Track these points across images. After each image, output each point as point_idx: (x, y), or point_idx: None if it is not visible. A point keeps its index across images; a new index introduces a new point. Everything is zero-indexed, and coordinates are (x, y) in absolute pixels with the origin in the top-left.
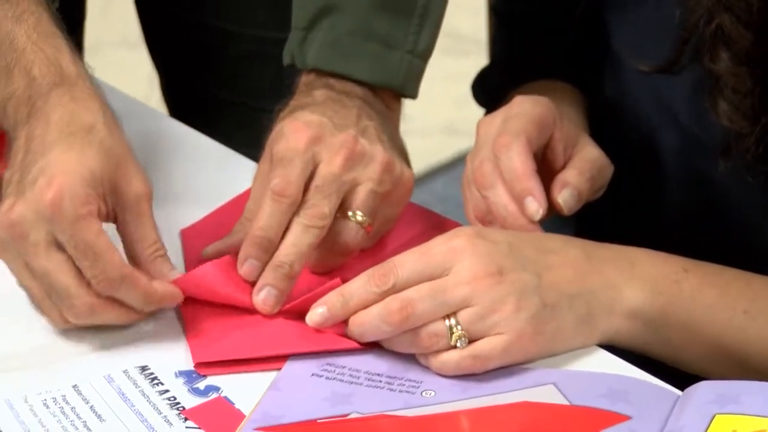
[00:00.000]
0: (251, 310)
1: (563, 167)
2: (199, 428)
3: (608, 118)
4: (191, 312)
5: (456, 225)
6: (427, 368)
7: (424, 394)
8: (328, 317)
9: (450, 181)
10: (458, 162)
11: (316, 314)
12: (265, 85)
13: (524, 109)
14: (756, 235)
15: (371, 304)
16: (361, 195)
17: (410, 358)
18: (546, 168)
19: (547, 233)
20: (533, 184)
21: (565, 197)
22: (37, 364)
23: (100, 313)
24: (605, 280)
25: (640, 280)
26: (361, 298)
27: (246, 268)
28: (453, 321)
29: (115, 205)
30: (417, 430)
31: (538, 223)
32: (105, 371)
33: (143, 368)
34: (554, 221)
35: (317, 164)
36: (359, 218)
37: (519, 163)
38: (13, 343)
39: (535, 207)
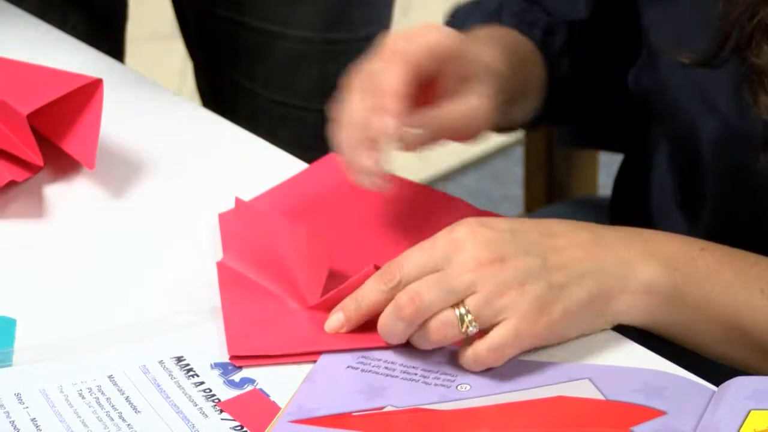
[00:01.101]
0: (286, 291)
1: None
2: (235, 420)
3: (646, 109)
4: (230, 303)
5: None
6: None
7: (459, 387)
8: (344, 322)
9: (481, 176)
10: (489, 157)
11: (333, 320)
12: (309, 85)
13: (423, 33)
14: None
15: (382, 304)
16: None
17: (445, 352)
18: (430, 96)
19: (554, 219)
20: (393, 106)
21: (407, 135)
22: (73, 354)
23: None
24: (617, 258)
25: (654, 257)
26: (371, 299)
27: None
28: (463, 309)
29: None
30: (452, 424)
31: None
32: (140, 362)
33: (179, 359)
34: (587, 209)
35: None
36: None
37: (390, 80)
38: (48, 332)
39: (384, 125)
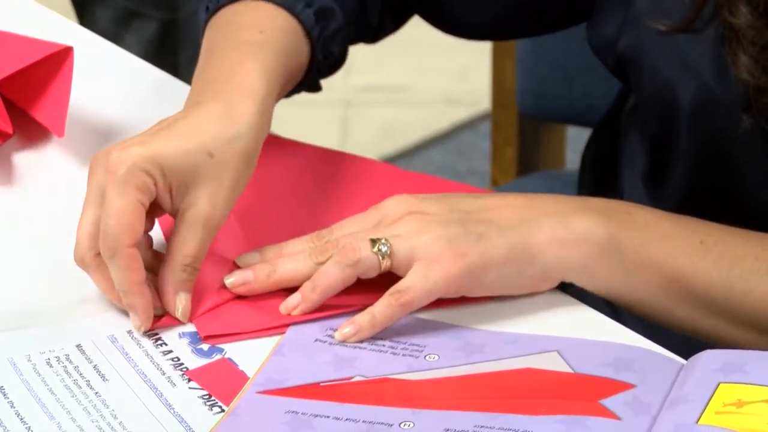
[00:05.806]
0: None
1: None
2: (203, 389)
3: (623, 70)
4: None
5: (464, 187)
6: (430, 333)
7: (427, 358)
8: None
9: (447, 150)
10: (455, 131)
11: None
12: None
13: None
14: None
15: (307, 260)
16: None
17: (413, 323)
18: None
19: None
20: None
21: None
22: (41, 323)
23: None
24: (547, 213)
25: (588, 210)
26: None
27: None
28: (378, 240)
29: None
30: (420, 394)
31: None
32: (109, 331)
33: None
34: (554, 183)
35: None
36: None
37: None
38: (17, 301)
39: (137, 324)
